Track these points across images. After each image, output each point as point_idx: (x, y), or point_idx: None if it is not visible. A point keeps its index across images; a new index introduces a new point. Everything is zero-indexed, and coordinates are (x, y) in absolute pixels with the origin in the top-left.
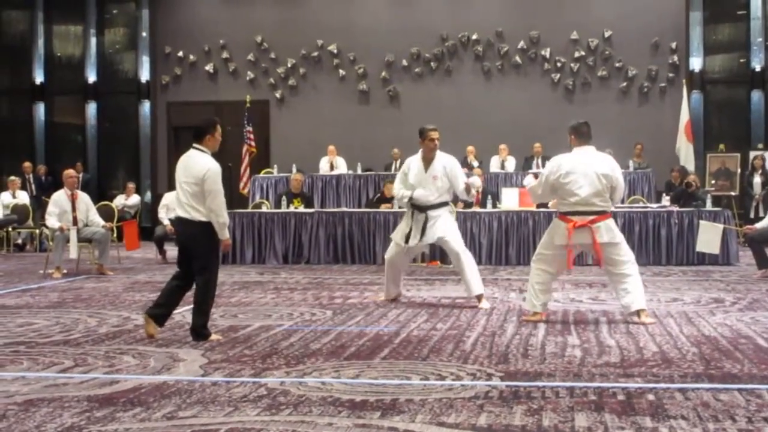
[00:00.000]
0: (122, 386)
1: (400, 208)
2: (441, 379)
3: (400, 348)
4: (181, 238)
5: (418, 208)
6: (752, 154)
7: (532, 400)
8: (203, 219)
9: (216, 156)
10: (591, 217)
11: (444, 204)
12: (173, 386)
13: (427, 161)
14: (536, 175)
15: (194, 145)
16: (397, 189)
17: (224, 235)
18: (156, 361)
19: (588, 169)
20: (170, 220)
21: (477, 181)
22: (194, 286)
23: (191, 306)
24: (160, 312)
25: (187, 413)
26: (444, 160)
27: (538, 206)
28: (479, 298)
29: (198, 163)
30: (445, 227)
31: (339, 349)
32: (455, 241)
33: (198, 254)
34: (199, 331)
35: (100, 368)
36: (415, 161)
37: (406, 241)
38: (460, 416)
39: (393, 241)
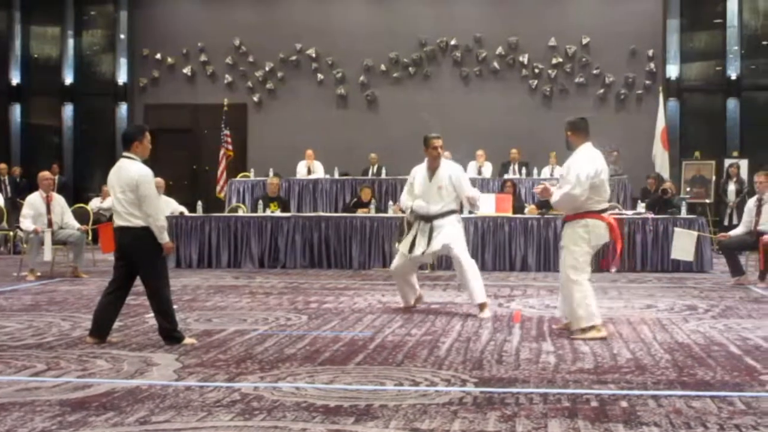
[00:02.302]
0: (95, 390)
1: (407, 221)
2: (415, 385)
3: (375, 353)
4: (123, 247)
5: (424, 218)
6: (727, 161)
7: (505, 407)
8: (142, 224)
9: (194, 158)
10: (611, 212)
11: (451, 212)
12: (146, 390)
13: (432, 170)
14: (544, 184)
15: (123, 153)
16: (404, 200)
17: (164, 238)
18: (129, 365)
19: (606, 166)
20: None
21: (478, 193)
22: (147, 296)
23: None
24: (101, 330)
25: (160, 418)
26: (450, 169)
27: (515, 211)
28: (481, 306)
29: (129, 171)
30: (450, 235)
31: (314, 354)
32: (459, 249)
33: (142, 262)
34: (170, 334)
35: (73, 372)
36: (420, 171)
37: (411, 251)
38: (434, 422)
39: (399, 253)
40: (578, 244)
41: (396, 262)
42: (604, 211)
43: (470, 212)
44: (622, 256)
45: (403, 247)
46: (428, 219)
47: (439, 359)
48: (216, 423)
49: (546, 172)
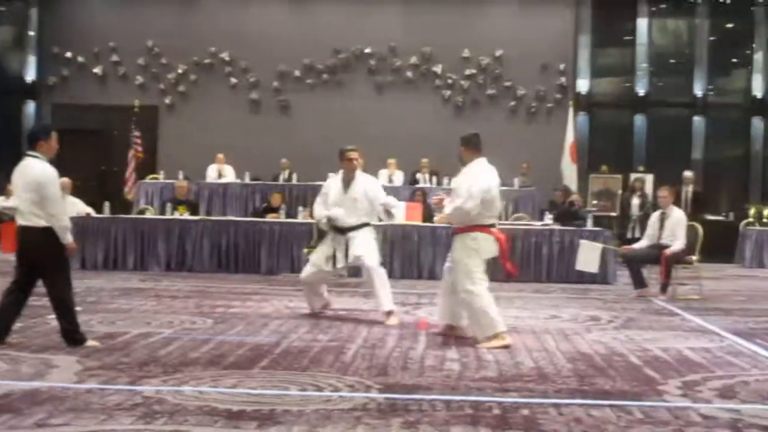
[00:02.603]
0: None
1: (320, 231)
2: (319, 391)
3: (280, 358)
4: (25, 247)
5: (339, 230)
6: (633, 176)
7: (409, 413)
8: (45, 224)
9: (102, 159)
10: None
11: (364, 225)
12: (46, 393)
13: (347, 182)
14: (441, 196)
15: (28, 152)
16: (317, 210)
17: (67, 239)
18: (29, 366)
19: (498, 181)
20: None
21: (394, 200)
22: (48, 297)
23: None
24: (0, 331)
25: (59, 420)
26: (365, 183)
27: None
28: (388, 314)
29: (34, 169)
30: (363, 246)
31: (218, 358)
32: (370, 259)
33: (44, 262)
34: (71, 335)
35: None
36: (335, 182)
37: (334, 265)
38: (337, 428)
39: (310, 263)
40: (471, 256)
41: (308, 271)
42: (492, 226)
43: (380, 220)
44: (509, 270)
45: (318, 259)
46: (343, 231)
47: (344, 365)
48: (116, 426)
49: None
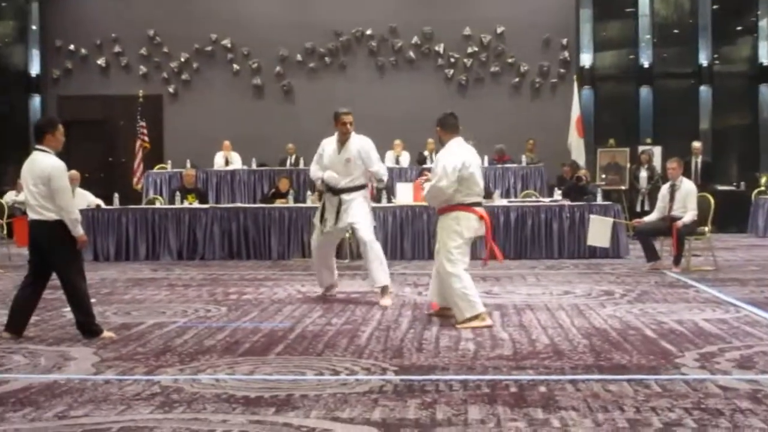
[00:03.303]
0: (12, 386)
1: (318, 191)
2: (335, 374)
3: (295, 344)
4: (38, 240)
5: (332, 190)
6: (640, 148)
7: (425, 394)
8: (55, 217)
9: (109, 150)
10: (482, 209)
11: (359, 188)
12: (64, 385)
13: (342, 143)
14: (425, 173)
15: (36, 146)
16: (313, 170)
17: (77, 231)
18: (47, 359)
19: (477, 160)
20: None
21: (383, 169)
22: (63, 290)
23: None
24: (17, 325)
25: (79, 412)
26: (359, 143)
27: None
28: (383, 291)
29: (42, 163)
30: (356, 213)
31: (233, 345)
32: (364, 230)
33: (56, 255)
34: (87, 327)
35: None
36: (329, 143)
37: (321, 223)
38: (355, 411)
39: (315, 226)
40: (451, 237)
41: (313, 237)
42: (476, 204)
43: (377, 188)
44: (492, 251)
45: (316, 219)
46: (336, 192)
47: (359, 348)
48: (135, 416)
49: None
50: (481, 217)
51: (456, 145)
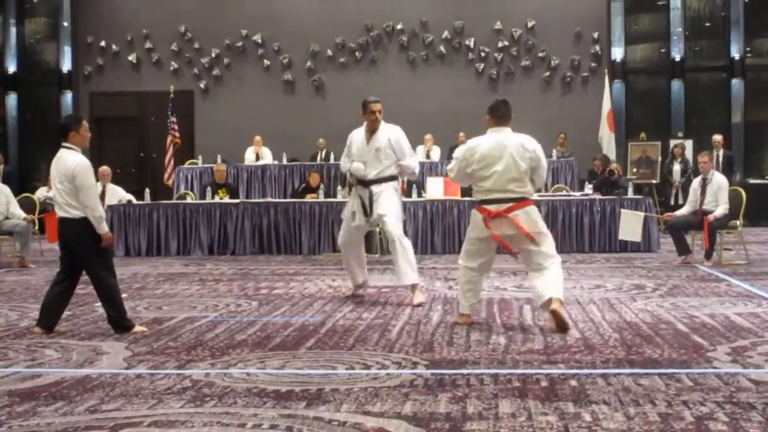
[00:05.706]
0: (44, 380)
1: (349, 184)
2: (366, 369)
3: (326, 338)
4: (66, 238)
5: (362, 182)
6: (672, 142)
7: (456, 388)
8: (81, 215)
9: (140, 146)
10: (508, 205)
11: (390, 178)
12: (96, 379)
13: (371, 132)
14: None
15: (62, 144)
16: (343, 164)
17: (102, 229)
18: (79, 354)
19: (504, 152)
20: None
21: (415, 162)
22: (93, 286)
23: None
24: (49, 320)
25: (110, 406)
26: (389, 132)
27: (464, 194)
28: (413, 289)
29: (67, 161)
30: (386, 205)
31: (264, 339)
32: (393, 224)
33: (83, 252)
34: (118, 322)
35: (22, 362)
36: (358, 134)
37: (353, 219)
38: (386, 405)
39: (344, 221)
40: (469, 231)
41: (341, 233)
42: (487, 202)
43: (408, 180)
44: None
45: (347, 213)
46: (366, 184)
47: (389, 342)
48: (167, 410)
49: None
50: (487, 217)
51: (487, 135)
